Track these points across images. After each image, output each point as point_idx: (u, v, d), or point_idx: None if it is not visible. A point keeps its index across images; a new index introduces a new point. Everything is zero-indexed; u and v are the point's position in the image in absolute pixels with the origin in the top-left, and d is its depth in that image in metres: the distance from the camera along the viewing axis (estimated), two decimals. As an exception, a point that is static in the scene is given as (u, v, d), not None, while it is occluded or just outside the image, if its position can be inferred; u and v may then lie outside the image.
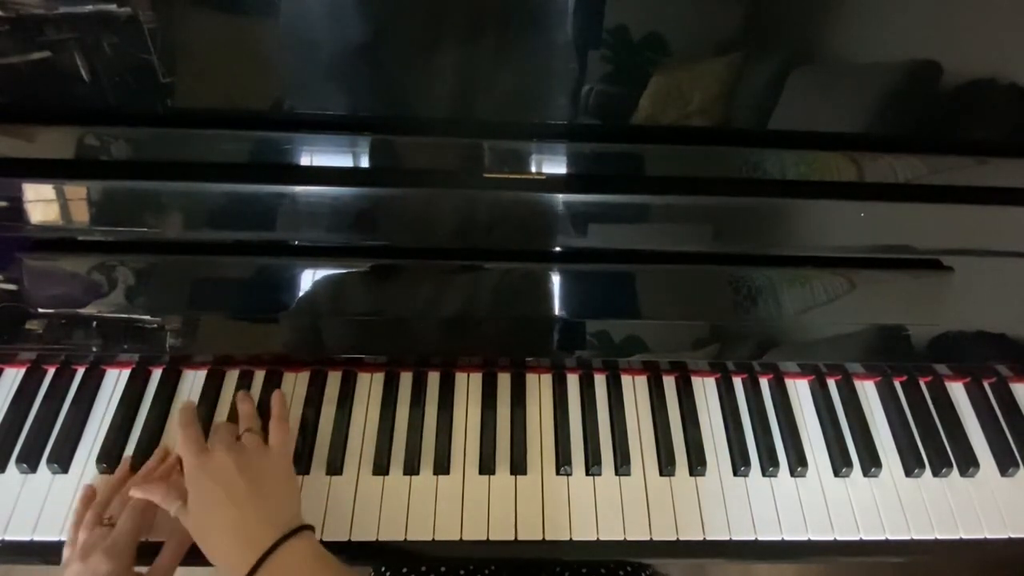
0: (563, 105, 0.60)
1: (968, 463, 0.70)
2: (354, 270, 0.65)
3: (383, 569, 0.75)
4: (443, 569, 0.72)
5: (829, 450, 0.71)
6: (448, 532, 0.64)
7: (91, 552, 0.57)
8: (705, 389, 0.74)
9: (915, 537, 0.66)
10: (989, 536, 0.67)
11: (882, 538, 0.66)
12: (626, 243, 0.65)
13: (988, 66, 0.58)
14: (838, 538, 0.66)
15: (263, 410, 0.69)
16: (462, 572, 0.72)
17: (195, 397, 0.71)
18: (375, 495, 0.65)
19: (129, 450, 0.68)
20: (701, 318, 0.69)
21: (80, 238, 0.64)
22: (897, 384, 0.76)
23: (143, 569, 0.59)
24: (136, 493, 0.61)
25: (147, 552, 0.61)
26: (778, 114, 0.60)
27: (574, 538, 0.64)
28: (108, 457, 0.66)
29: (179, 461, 0.64)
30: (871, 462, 0.69)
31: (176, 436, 0.68)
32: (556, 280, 0.66)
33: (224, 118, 0.59)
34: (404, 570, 0.73)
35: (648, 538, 0.64)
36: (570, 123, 0.61)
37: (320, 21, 0.54)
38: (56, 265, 0.64)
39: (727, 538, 0.65)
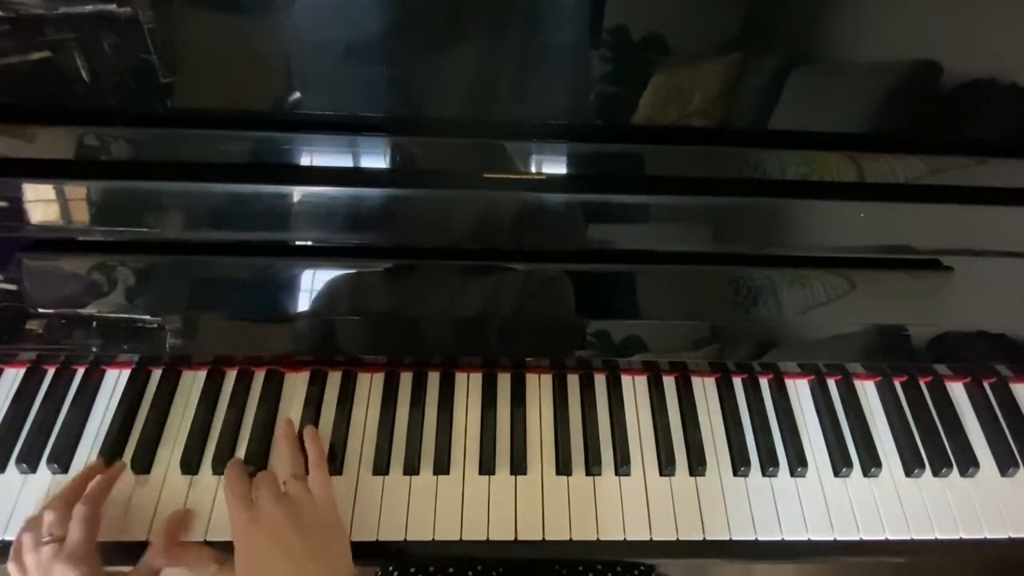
0: (563, 105, 0.60)
1: (968, 463, 0.70)
2: (353, 271, 0.65)
3: (391, 569, 0.75)
4: (451, 570, 0.72)
5: (829, 450, 0.71)
6: (448, 532, 0.64)
7: (51, 567, 0.55)
8: (705, 389, 0.74)
9: (915, 537, 0.66)
10: (989, 536, 0.67)
11: (882, 538, 0.66)
12: (626, 243, 0.65)
13: (988, 66, 0.58)
14: (838, 538, 0.66)
15: (264, 406, 0.69)
16: (470, 574, 0.72)
17: (195, 397, 0.71)
18: (375, 495, 0.65)
19: (129, 450, 0.67)
20: (701, 318, 0.69)
21: (80, 238, 0.64)
22: (897, 384, 0.76)
23: (126, 569, 0.59)
24: (162, 562, 0.60)
25: (126, 552, 0.61)
26: (778, 114, 0.60)
27: (574, 538, 0.64)
28: (108, 457, 0.66)
29: (115, 478, 0.63)
30: (871, 462, 0.69)
31: (175, 439, 0.68)
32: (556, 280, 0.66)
33: (224, 118, 0.59)
34: (412, 570, 0.73)
35: (648, 538, 0.65)
36: (570, 123, 0.61)
37: (320, 21, 0.54)
38: (56, 265, 0.64)
39: (727, 538, 0.65)
